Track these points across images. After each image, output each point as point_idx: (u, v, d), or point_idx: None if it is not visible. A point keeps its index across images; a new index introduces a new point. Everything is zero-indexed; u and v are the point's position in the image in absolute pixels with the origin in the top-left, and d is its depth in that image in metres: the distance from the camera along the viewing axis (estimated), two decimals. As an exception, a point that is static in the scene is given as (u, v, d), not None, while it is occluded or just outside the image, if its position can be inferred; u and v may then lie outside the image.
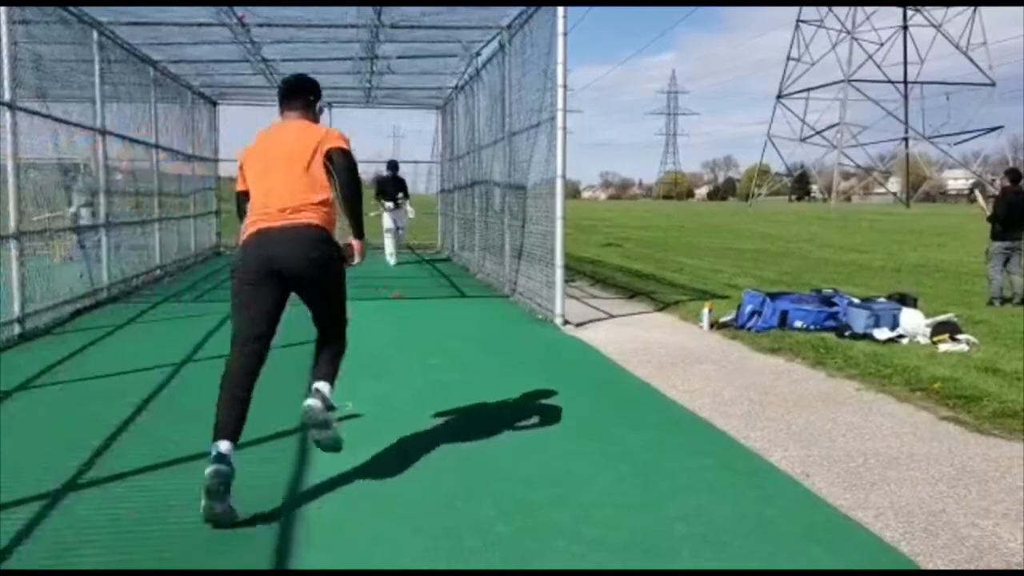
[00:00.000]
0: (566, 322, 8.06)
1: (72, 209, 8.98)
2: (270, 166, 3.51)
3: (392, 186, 14.66)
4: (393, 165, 15.04)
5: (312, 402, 3.47)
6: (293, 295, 3.54)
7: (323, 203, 3.48)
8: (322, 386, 3.57)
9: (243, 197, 3.68)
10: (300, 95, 3.72)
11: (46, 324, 7.57)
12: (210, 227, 17.18)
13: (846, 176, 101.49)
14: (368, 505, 3.40)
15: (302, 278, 3.45)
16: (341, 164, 3.49)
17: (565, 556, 2.94)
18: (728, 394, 5.39)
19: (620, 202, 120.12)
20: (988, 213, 10.39)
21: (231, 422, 3.27)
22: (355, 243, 3.64)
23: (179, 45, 11.57)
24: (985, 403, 5.03)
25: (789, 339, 7.18)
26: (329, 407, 3.54)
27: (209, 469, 3.11)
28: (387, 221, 14.72)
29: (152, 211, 12.03)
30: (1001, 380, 5.67)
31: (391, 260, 14.70)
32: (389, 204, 14.69)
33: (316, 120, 3.76)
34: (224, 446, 3.19)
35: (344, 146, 3.53)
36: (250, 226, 3.50)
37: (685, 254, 18.58)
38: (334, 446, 3.56)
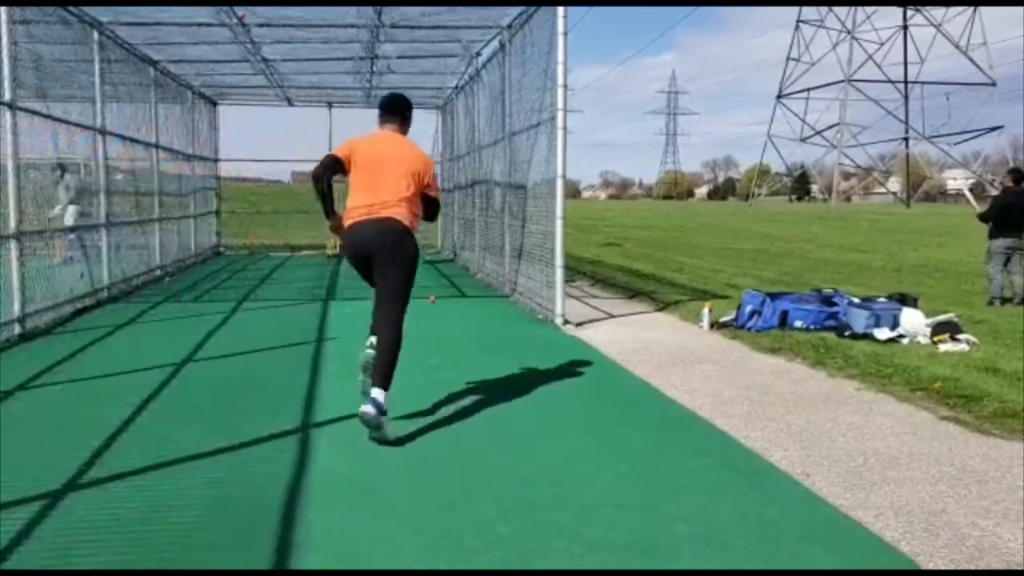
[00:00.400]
0: (566, 322, 8.06)
1: (55, 210, 8.74)
2: (376, 172, 4.38)
3: None
4: None
5: (366, 408, 4.09)
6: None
7: (409, 208, 4.40)
8: (377, 394, 4.15)
9: (332, 160, 4.41)
10: (398, 112, 4.63)
11: (46, 324, 7.57)
12: (210, 227, 17.18)
13: (846, 176, 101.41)
14: (368, 505, 3.40)
15: (386, 259, 4.32)
16: (430, 199, 4.58)
17: (565, 556, 2.94)
18: (728, 394, 5.39)
19: (620, 202, 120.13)
20: (978, 211, 10.41)
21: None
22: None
23: (179, 45, 11.56)
24: (985, 403, 5.03)
25: (789, 339, 7.18)
26: (382, 412, 4.12)
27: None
28: None
29: (152, 211, 12.03)
30: (1001, 380, 5.67)
31: None
32: None
33: (408, 128, 4.68)
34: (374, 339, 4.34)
35: (439, 195, 4.69)
36: (355, 215, 4.38)
37: (685, 254, 18.58)
38: (387, 440, 4.18)
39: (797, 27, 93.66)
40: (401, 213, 4.34)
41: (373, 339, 4.39)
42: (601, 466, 3.92)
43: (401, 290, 4.38)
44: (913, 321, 7.33)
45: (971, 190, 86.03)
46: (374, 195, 4.33)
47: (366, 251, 4.31)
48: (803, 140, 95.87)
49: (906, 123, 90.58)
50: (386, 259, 4.30)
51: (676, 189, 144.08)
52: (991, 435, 4.49)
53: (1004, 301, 9.76)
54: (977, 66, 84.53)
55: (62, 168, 9.01)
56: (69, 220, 9.39)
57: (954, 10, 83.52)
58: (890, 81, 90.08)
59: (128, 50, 10.98)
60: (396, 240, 4.31)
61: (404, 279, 4.39)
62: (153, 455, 3.94)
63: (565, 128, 7.88)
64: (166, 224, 12.77)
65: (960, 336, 7.07)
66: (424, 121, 18.42)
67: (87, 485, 3.58)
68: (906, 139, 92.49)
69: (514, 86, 10.07)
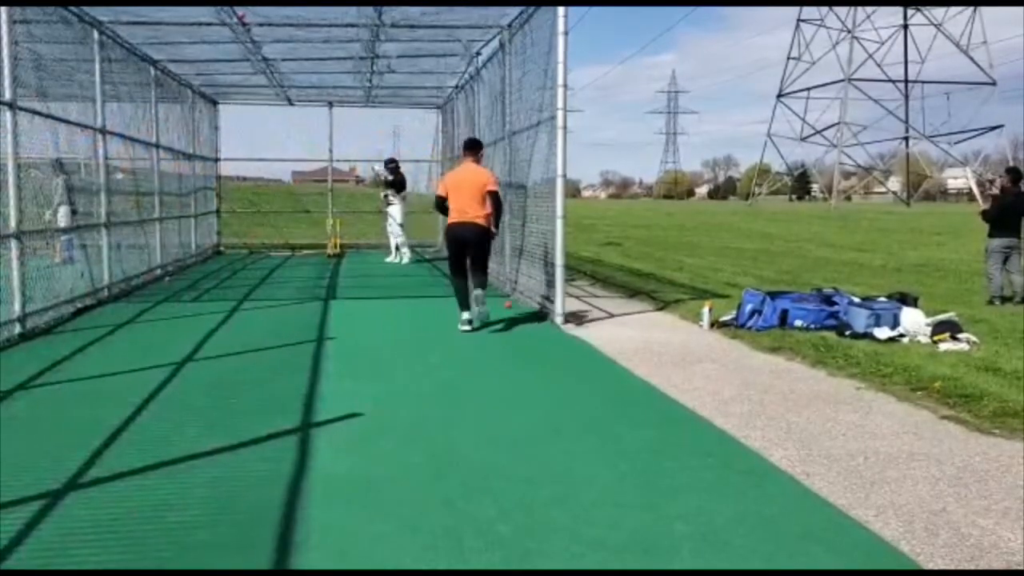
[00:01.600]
0: (566, 321, 8.06)
1: (47, 214, 8.60)
2: (461, 190, 7.61)
3: (388, 183, 14.99)
4: (385, 163, 15.29)
5: (478, 292, 7.59)
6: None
7: (485, 212, 7.58)
8: (480, 291, 7.61)
9: (442, 198, 7.76)
10: (475, 149, 8.04)
11: (47, 323, 7.57)
12: (210, 226, 17.17)
13: (846, 175, 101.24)
14: (368, 504, 3.40)
15: (470, 244, 7.60)
16: (493, 199, 7.62)
17: (565, 556, 2.94)
18: (728, 393, 5.38)
19: (620, 201, 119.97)
20: (982, 208, 10.42)
21: (466, 301, 7.64)
22: (493, 230, 7.73)
23: (179, 44, 11.56)
24: (985, 402, 5.03)
25: (789, 338, 7.18)
26: (483, 300, 7.67)
27: (465, 316, 7.63)
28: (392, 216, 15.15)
29: (152, 210, 12.02)
30: (1001, 379, 5.67)
31: (387, 258, 15.13)
32: (381, 200, 15.34)
33: (480, 156, 8.13)
34: (467, 313, 7.63)
35: (496, 189, 7.68)
36: (451, 219, 7.65)
37: (685, 253, 18.58)
38: (485, 318, 7.80)
39: (797, 26, 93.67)
40: (480, 216, 7.53)
41: (478, 291, 7.62)
42: (601, 465, 3.92)
43: (485, 260, 7.78)
44: (913, 320, 7.32)
45: (978, 184, 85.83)
46: (461, 205, 7.53)
47: (462, 240, 7.59)
48: (803, 139, 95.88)
49: (906, 122, 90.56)
50: (475, 244, 7.59)
51: (676, 188, 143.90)
52: (991, 434, 4.49)
53: (1004, 300, 9.75)
54: (977, 65, 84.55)
55: (60, 164, 8.94)
56: (62, 221, 9.29)
57: (954, 10, 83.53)
58: (890, 80, 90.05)
59: (128, 49, 10.97)
60: (480, 235, 7.59)
61: (485, 254, 7.75)
62: (153, 455, 3.94)
63: (565, 127, 7.87)
64: (166, 224, 12.76)
65: (960, 335, 7.06)
66: (424, 120, 18.45)
67: (87, 485, 3.58)
68: (906, 138, 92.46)
69: (514, 85, 10.06)
